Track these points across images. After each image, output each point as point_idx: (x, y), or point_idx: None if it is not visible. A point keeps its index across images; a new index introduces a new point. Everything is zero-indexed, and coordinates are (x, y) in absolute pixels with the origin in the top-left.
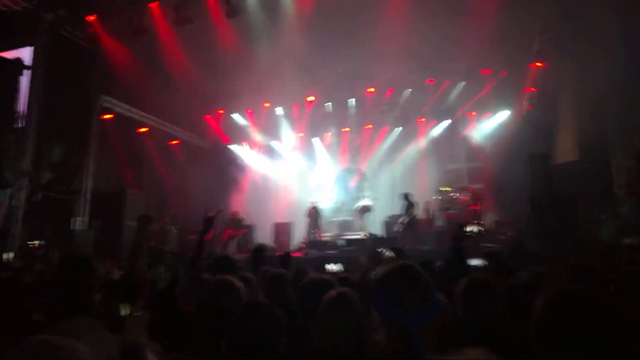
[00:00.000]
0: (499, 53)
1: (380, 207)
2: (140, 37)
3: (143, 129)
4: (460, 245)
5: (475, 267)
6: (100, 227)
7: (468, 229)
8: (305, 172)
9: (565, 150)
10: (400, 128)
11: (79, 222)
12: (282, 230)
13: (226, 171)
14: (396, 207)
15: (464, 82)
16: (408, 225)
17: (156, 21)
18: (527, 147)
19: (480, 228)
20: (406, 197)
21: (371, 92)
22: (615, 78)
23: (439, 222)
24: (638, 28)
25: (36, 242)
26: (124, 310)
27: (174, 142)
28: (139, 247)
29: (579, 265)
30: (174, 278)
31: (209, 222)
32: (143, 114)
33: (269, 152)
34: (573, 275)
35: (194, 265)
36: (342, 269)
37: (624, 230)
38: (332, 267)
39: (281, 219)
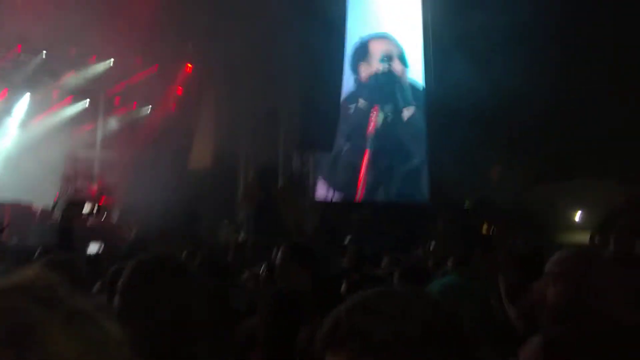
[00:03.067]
0: (155, 46)
1: None
2: None
3: None
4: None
5: None
6: None
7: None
8: None
9: (201, 157)
10: (28, 94)
11: None
12: None
13: None
14: None
15: (112, 60)
16: None
17: None
18: (168, 146)
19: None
20: None
21: None
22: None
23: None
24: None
25: None
26: None
27: None
28: None
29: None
30: None
31: None
32: None
33: None
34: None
35: None
36: None
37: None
38: None
39: None
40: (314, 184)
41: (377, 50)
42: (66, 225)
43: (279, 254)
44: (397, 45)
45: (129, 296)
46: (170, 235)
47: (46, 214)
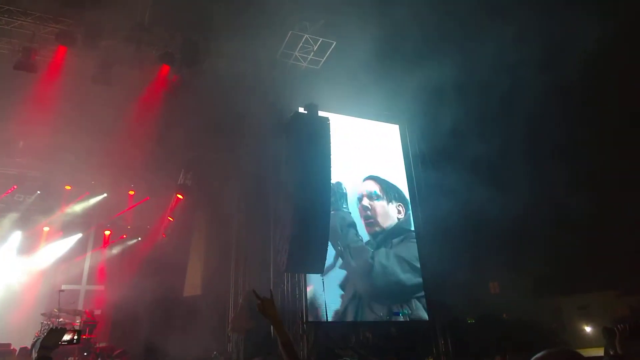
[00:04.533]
0: (147, 178)
1: None
2: None
3: None
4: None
5: None
6: None
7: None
8: None
9: (193, 284)
10: (19, 233)
11: None
12: None
13: None
14: None
15: (105, 194)
16: None
17: None
18: (156, 277)
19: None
20: None
21: None
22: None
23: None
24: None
25: None
26: None
27: None
28: None
29: None
30: None
31: None
32: None
33: None
34: None
35: None
36: None
37: None
38: None
39: None
40: (306, 305)
41: (367, 189)
42: (45, 354)
43: None
44: (385, 184)
45: None
46: None
47: (25, 352)
